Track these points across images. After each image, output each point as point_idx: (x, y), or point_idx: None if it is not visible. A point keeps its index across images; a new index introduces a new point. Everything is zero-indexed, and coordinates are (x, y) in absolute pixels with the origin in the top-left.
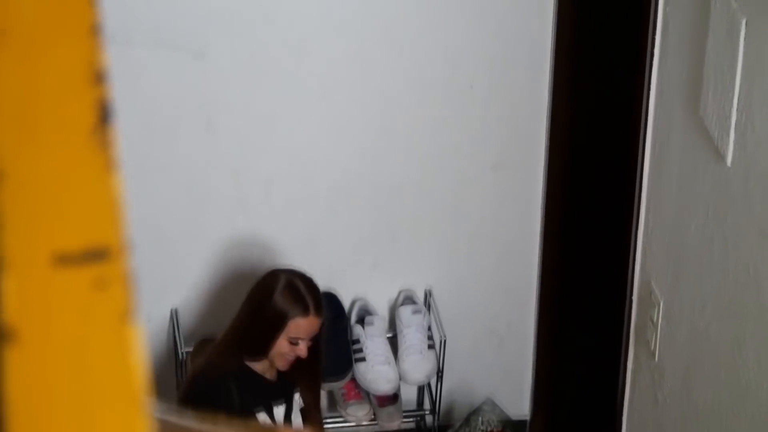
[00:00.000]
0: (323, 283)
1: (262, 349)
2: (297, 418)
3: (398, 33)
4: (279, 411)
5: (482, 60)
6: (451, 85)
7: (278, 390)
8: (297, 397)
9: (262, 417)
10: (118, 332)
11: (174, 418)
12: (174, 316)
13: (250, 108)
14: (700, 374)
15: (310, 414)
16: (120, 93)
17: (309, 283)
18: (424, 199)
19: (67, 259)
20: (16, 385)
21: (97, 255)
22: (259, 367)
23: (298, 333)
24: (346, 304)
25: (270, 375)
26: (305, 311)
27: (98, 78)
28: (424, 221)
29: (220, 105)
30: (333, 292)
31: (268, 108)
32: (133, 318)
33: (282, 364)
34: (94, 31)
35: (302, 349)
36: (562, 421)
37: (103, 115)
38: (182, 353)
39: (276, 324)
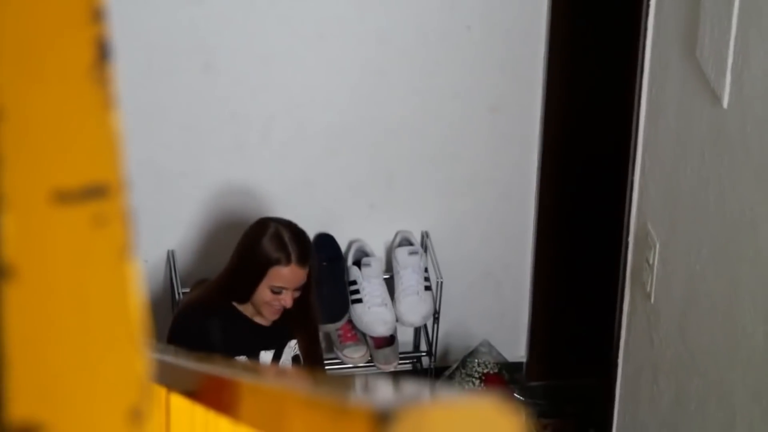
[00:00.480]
0: (320, 225)
1: (245, 295)
2: (286, 365)
3: None
4: (266, 356)
5: (479, 1)
6: (449, 27)
7: (270, 336)
8: (292, 344)
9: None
10: (117, 269)
11: (170, 358)
12: (171, 257)
13: (248, 49)
14: (695, 317)
15: (310, 364)
16: (117, 33)
17: (296, 233)
18: (421, 141)
19: (66, 197)
20: (16, 322)
21: (96, 192)
22: (249, 311)
23: (280, 281)
24: (343, 246)
25: (263, 320)
26: (287, 260)
27: (96, 15)
28: (421, 163)
29: (218, 46)
30: (330, 233)
31: (266, 49)
32: (131, 255)
33: (268, 313)
34: None
35: (286, 299)
36: (558, 363)
37: (102, 52)
38: (179, 294)
39: (258, 270)
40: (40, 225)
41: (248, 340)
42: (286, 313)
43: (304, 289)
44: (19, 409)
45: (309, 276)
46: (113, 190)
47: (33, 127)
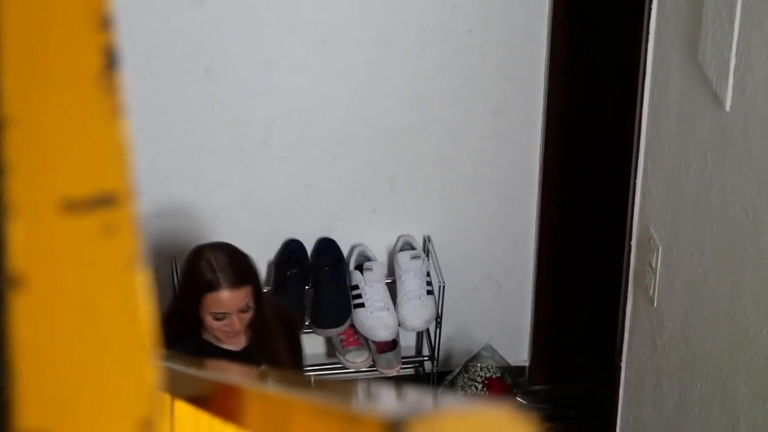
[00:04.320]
0: (322, 230)
1: (193, 324)
2: None
3: None
4: None
5: (480, 4)
6: (450, 29)
7: (242, 360)
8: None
9: None
10: (126, 278)
11: (175, 365)
12: (173, 264)
13: (249, 54)
14: (698, 320)
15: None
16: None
17: (230, 255)
18: (423, 144)
19: (74, 206)
20: (25, 332)
21: (104, 201)
22: (216, 339)
23: (218, 307)
24: (345, 251)
25: (230, 344)
26: (218, 284)
27: (104, 23)
28: (423, 167)
29: (219, 50)
30: (332, 238)
31: (267, 53)
32: (140, 263)
33: (224, 338)
34: None
35: (233, 324)
36: (560, 367)
37: (110, 60)
38: None
39: (195, 299)
40: (48, 234)
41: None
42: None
43: (257, 310)
44: (29, 419)
45: (256, 295)
46: (122, 198)
47: (41, 135)
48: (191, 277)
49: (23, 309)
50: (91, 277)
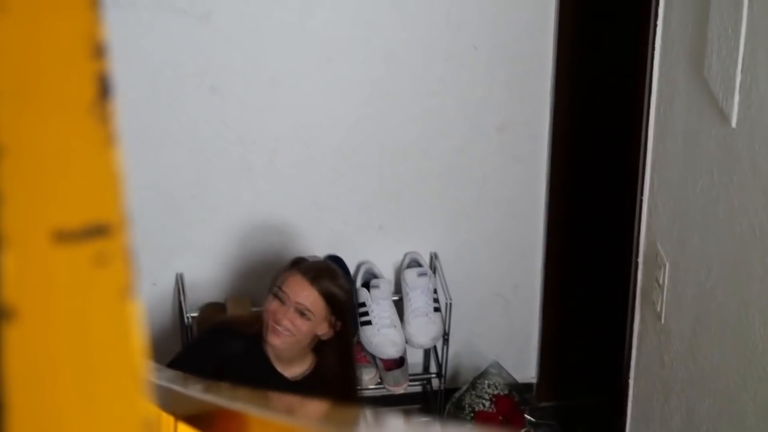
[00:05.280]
0: (328, 247)
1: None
2: None
3: None
4: None
5: (486, 21)
6: (455, 47)
7: (284, 388)
8: None
9: None
10: (119, 308)
11: (179, 387)
12: (179, 280)
13: (255, 71)
14: (706, 336)
15: None
16: (124, 57)
17: (322, 263)
18: (429, 161)
19: (67, 236)
20: (16, 364)
21: (97, 231)
22: (271, 352)
23: (284, 284)
24: (351, 268)
25: (282, 367)
26: (295, 266)
27: (98, 51)
28: (429, 184)
29: (225, 69)
30: (338, 255)
31: (273, 71)
32: (133, 294)
33: (270, 335)
34: (95, 3)
35: (283, 313)
36: (568, 384)
37: (103, 89)
38: (188, 318)
39: (273, 281)
40: (40, 265)
41: (260, 379)
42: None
43: (336, 349)
44: None
45: (328, 321)
46: (114, 229)
47: (34, 164)
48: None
49: (14, 340)
50: (84, 307)
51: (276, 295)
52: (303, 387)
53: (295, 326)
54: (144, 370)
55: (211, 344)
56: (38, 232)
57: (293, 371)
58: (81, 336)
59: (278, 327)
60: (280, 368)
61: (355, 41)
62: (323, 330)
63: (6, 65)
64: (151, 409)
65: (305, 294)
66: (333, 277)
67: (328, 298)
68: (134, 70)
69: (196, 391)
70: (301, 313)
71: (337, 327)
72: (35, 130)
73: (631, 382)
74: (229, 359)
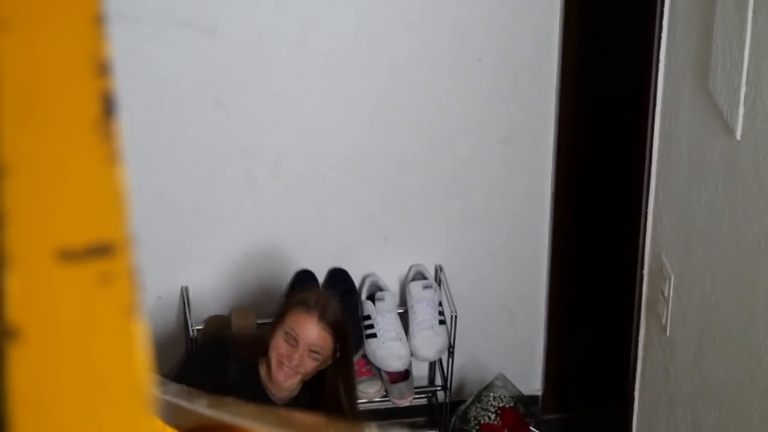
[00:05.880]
0: (333, 260)
1: (266, 343)
2: None
3: (406, 6)
4: None
5: (490, 33)
6: (460, 59)
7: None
8: None
9: None
10: (123, 328)
11: (185, 403)
12: (184, 293)
13: (259, 84)
14: (711, 348)
15: None
16: (128, 70)
17: (333, 302)
18: (433, 173)
19: (71, 255)
20: (21, 384)
21: (101, 250)
22: (265, 376)
23: (295, 326)
24: (356, 280)
25: (275, 392)
26: (308, 308)
27: (102, 69)
28: (433, 196)
29: (229, 82)
30: (343, 268)
31: (277, 84)
32: (137, 313)
33: (279, 374)
34: (98, 20)
35: (296, 356)
36: (573, 396)
37: (107, 107)
38: (193, 330)
39: (281, 313)
40: (44, 284)
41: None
42: (308, 398)
43: (338, 376)
44: None
45: (333, 357)
46: (119, 248)
47: (37, 183)
48: (293, 294)
49: (19, 360)
50: (88, 327)
51: (286, 337)
52: (294, 407)
53: (304, 366)
54: (148, 388)
55: (210, 362)
56: (42, 252)
57: (282, 395)
58: (85, 355)
59: (287, 367)
60: (271, 391)
61: (360, 54)
62: (326, 363)
63: (9, 83)
64: (156, 426)
65: (317, 336)
66: (335, 308)
67: (336, 333)
68: (139, 83)
69: (200, 407)
70: (313, 352)
71: (337, 356)
72: (39, 149)
73: (636, 394)
74: (223, 379)
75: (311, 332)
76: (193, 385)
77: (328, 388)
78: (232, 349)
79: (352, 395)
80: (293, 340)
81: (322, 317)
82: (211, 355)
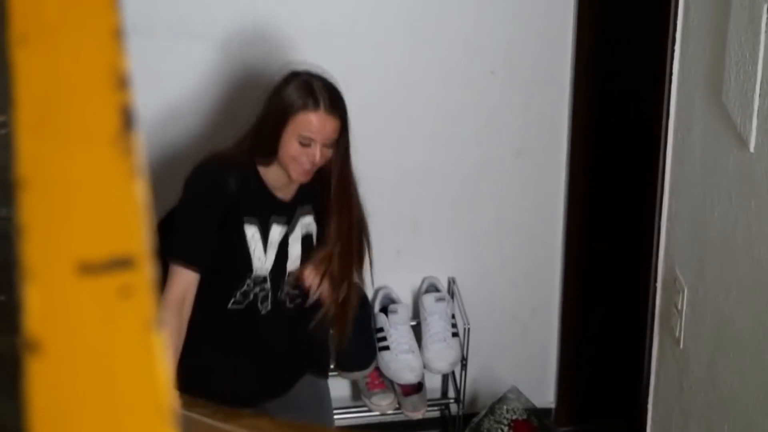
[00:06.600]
0: None
1: (270, 149)
2: (295, 245)
3: (418, 19)
4: (277, 231)
5: (503, 45)
6: (473, 71)
7: (285, 208)
8: (306, 221)
9: (251, 231)
10: (143, 341)
11: (196, 414)
12: None
13: None
14: (725, 361)
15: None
16: (143, 83)
17: (327, 83)
18: (446, 186)
19: (91, 268)
20: (42, 396)
21: (121, 263)
22: (272, 179)
23: (308, 130)
24: (369, 293)
25: (283, 194)
26: (315, 105)
27: (122, 83)
28: (446, 208)
29: (243, 95)
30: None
31: None
32: (157, 326)
33: (297, 173)
34: (117, 34)
35: (315, 153)
36: (587, 409)
37: (127, 121)
38: None
39: (284, 118)
40: (65, 297)
41: (262, 206)
42: (317, 186)
43: (339, 158)
44: None
45: (342, 140)
46: (138, 261)
47: (56, 196)
48: (284, 96)
49: (40, 373)
50: (108, 340)
51: (300, 140)
52: (302, 203)
53: (323, 158)
54: (169, 401)
55: (212, 187)
56: (62, 265)
57: (284, 194)
58: (106, 368)
59: (307, 166)
60: (279, 195)
61: (373, 67)
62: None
63: (28, 97)
64: None
65: (330, 127)
66: (336, 90)
67: (342, 114)
68: (152, 96)
69: (218, 421)
70: (327, 146)
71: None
72: (58, 162)
73: (649, 407)
74: (227, 195)
75: (325, 128)
76: (201, 211)
77: (333, 180)
78: (224, 164)
79: (352, 183)
80: (307, 140)
81: (330, 108)
82: (207, 176)
